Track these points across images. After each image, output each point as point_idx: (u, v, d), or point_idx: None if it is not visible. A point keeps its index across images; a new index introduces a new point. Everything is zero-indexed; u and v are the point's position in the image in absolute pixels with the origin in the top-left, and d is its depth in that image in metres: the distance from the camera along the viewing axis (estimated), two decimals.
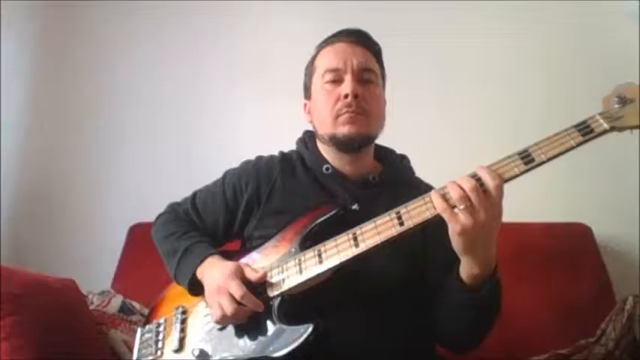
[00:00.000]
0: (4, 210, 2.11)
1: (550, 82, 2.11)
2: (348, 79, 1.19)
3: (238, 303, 1.02)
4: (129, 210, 2.11)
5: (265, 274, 1.07)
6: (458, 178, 0.93)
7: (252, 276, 1.06)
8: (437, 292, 1.09)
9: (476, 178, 0.92)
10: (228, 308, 1.03)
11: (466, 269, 0.98)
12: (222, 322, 1.07)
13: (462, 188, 0.91)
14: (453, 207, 0.91)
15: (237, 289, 1.02)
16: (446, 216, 0.92)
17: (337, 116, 1.18)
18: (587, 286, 1.75)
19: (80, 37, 2.33)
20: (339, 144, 1.20)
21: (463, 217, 0.90)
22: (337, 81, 1.20)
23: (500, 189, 0.91)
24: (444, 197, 0.92)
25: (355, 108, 1.17)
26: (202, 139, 2.24)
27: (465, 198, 0.90)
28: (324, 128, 1.22)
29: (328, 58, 1.23)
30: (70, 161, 2.27)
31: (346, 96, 1.17)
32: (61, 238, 2.20)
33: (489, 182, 0.91)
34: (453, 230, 0.92)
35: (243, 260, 1.15)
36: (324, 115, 1.21)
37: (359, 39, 1.25)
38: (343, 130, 1.18)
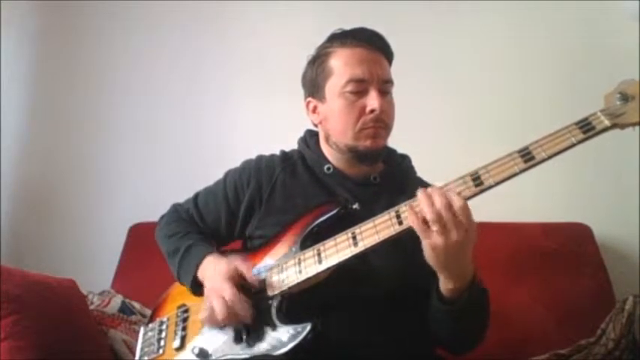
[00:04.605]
0: (4, 210, 2.11)
1: (550, 82, 2.11)
2: (374, 94, 1.15)
3: (229, 308, 1.03)
4: (129, 210, 2.11)
5: (259, 280, 1.08)
6: (430, 190, 0.92)
7: (248, 274, 1.08)
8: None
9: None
10: (220, 312, 1.03)
11: (442, 284, 1.00)
12: (211, 323, 1.07)
13: (434, 205, 0.90)
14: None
15: (228, 293, 1.03)
16: (421, 233, 0.92)
17: (361, 130, 1.17)
18: (587, 286, 1.74)
19: (80, 37, 2.33)
20: (359, 156, 1.20)
21: (436, 236, 0.91)
22: (360, 92, 1.16)
23: (465, 209, 0.91)
24: (418, 214, 0.92)
25: (380, 123, 1.17)
26: (202, 139, 2.24)
27: (438, 217, 0.90)
28: (343, 138, 1.19)
29: (351, 66, 1.17)
30: (69, 161, 2.26)
31: (372, 111, 1.15)
32: (61, 238, 2.20)
33: (455, 203, 0.90)
34: (426, 247, 0.93)
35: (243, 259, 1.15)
36: (344, 125, 1.18)
37: (378, 45, 1.21)
38: (365, 143, 1.17)
